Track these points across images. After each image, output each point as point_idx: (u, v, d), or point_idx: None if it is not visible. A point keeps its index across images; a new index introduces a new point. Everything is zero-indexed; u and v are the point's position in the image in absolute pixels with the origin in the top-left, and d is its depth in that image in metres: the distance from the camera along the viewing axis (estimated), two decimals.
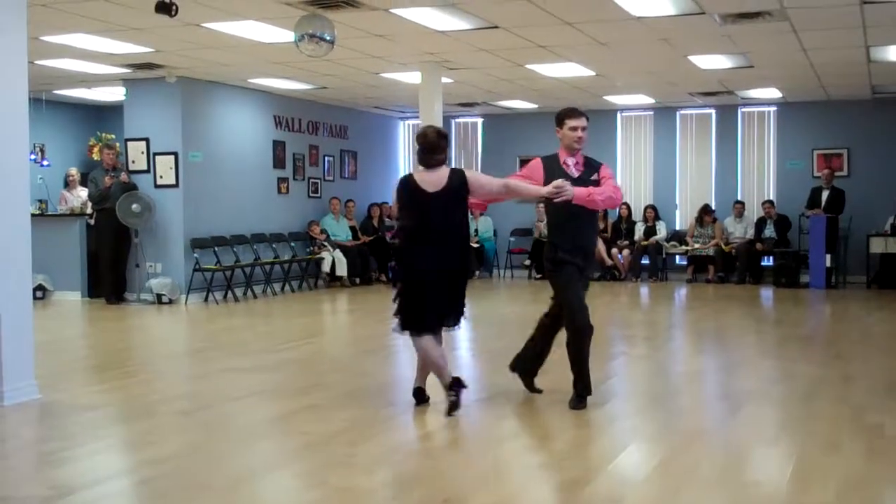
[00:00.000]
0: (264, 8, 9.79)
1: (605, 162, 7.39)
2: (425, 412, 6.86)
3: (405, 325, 6.72)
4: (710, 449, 5.95)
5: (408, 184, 6.70)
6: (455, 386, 6.68)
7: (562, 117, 7.02)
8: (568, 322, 6.87)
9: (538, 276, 18.46)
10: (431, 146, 6.66)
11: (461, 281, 6.77)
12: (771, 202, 17.68)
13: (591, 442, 6.10)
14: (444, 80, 13.98)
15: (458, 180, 6.67)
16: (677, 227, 18.78)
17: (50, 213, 15.41)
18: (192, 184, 14.66)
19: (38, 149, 16.40)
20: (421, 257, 6.60)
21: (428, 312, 6.65)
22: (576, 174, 6.89)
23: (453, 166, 7.03)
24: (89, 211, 14.96)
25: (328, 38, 9.17)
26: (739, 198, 18.27)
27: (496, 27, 10.80)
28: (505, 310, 13.77)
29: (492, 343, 10.34)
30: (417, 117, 14.89)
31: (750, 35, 11.27)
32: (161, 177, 14.59)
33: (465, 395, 6.81)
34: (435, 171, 6.66)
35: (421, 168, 6.74)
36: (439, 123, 13.50)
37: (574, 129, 6.94)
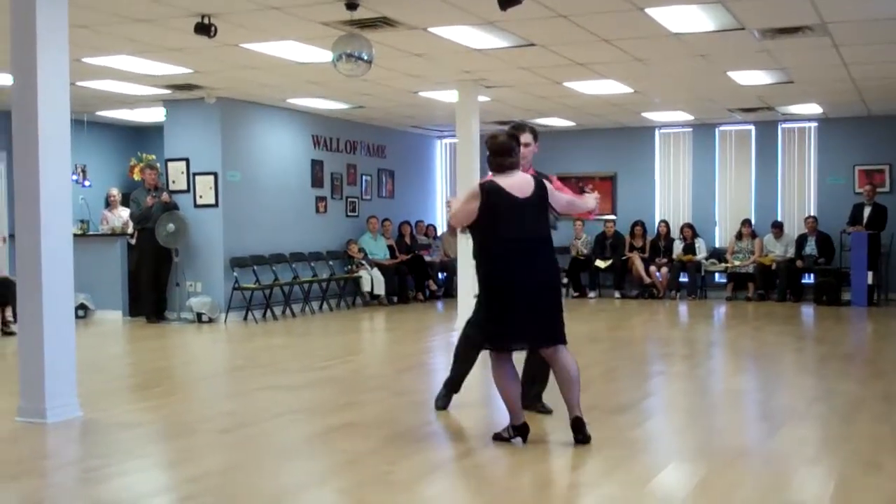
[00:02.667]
0: (302, 28, 9.87)
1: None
2: (463, 430, 6.85)
3: (491, 340, 6.31)
4: (750, 468, 5.90)
5: (497, 189, 6.24)
6: (518, 433, 6.39)
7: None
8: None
9: (575, 294, 18.43)
10: (503, 149, 6.31)
11: (556, 296, 6.42)
12: (814, 217, 17.53)
13: (629, 461, 6.07)
14: (481, 98, 14.00)
15: (541, 186, 6.38)
16: (716, 245, 18.66)
17: (91, 233, 15.57)
18: (231, 203, 14.76)
19: (79, 169, 16.56)
20: (513, 269, 6.19)
21: (517, 328, 6.23)
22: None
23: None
24: (130, 231, 15.08)
25: (366, 57, 9.23)
26: (780, 215, 18.14)
27: (533, 45, 10.81)
28: None
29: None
30: (454, 136, 14.92)
31: (790, 50, 11.21)
32: (201, 196, 14.70)
33: (503, 415, 6.80)
34: (512, 175, 6.32)
35: (494, 174, 6.35)
36: (476, 142, 13.53)
37: (528, 144, 6.93)
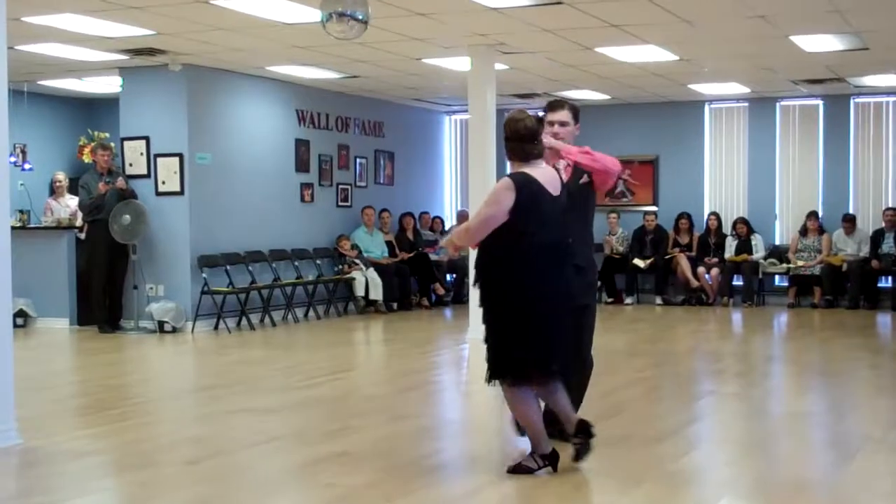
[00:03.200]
0: None
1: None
2: (475, 461, 6.85)
3: (498, 371, 6.30)
4: None
5: (530, 183, 6.13)
6: (548, 461, 6.39)
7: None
8: None
9: (610, 299, 18.42)
10: (530, 133, 6.21)
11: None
12: (893, 210, 17.51)
13: (674, 497, 6.06)
14: (498, 66, 13.99)
15: (578, 177, 6.41)
16: (777, 242, 18.64)
17: (33, 225, 15.58)
18: (199, 191, 14.76)
19: (18, 150, 16.58)
20: (548, 281, 6.17)
21: (550, 354, 6.24)
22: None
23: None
24: (79, 223, 15.08)
25: (360, 16, 9.21)
26: (852, 207, 18.12)
27: (560, 2, 10.80)
28: None
29: None
30: (466, 111, 14.91)
31: (865, 11, 11.18)
32: (163, 182, 14.71)
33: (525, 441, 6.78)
34: (539, 166, 6.28)
35: (520, 164, 6.25)
36: (492, 118, 13.53)
37: (551, 123, 6.84)
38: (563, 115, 6.96)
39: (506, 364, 6.29)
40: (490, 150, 13.34)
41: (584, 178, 6.78)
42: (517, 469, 6.42)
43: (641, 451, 6.90)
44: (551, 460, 6.39)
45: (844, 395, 9.72)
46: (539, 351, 6.19)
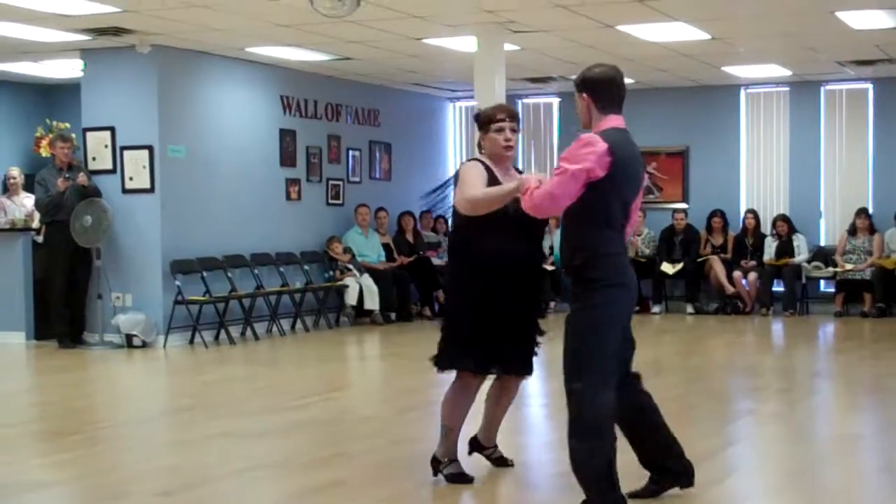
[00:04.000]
0: None
1: None
2: (481, 490, 6.87)
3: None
4: None
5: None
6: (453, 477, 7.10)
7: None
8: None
9: (635, 308, 18.38)
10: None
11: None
12: None
13: None
14: (508, 47, 14.02)
15: None
16: (822, 243, 18.66)
17: None
18: (172, 188, 14.78)
19: None
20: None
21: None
22: None
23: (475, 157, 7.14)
24: (36, 224, 15.11)
25: None
26: None
27: None
28: None
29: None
30: (472, 97, 14.94)
31: None
32: (131, 178, 14.72)
33: (537, 468, 6.83)
34: None
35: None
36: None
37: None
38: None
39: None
40: None
41: None
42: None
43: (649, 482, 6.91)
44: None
45: None
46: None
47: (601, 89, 6.40)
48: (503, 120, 6.98)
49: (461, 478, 7.03)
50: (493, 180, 6.79)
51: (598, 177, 5.86)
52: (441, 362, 7.09)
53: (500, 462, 7.34)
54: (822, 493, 6.96)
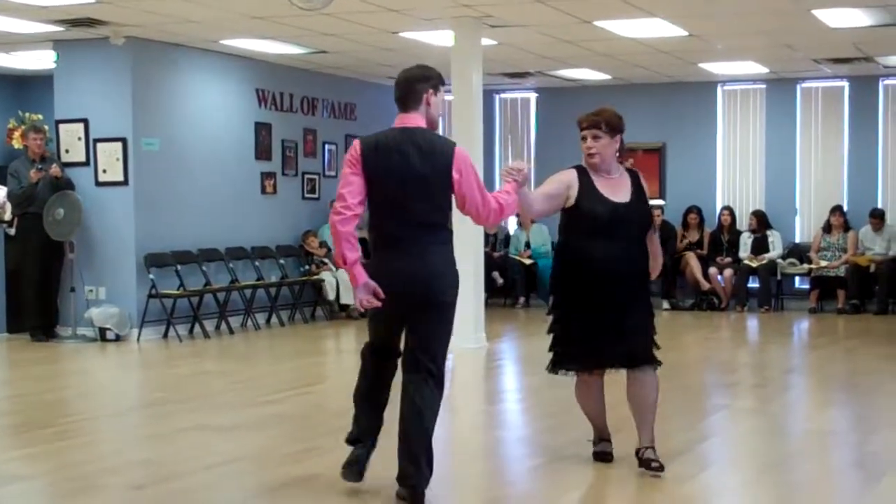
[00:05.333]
0: None
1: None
2: (460, 484, 6.88)
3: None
4: None
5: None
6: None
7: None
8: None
9: None
10: None
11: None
12: None
13: None
14: (486, 41, 14.01)
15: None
16: (797, 240, 18.73)
17: None
18: (146, 181, 14.74)
19: None
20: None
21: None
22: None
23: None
24: (8, 216, 15.03)
25: None
26: (880, 200, 18.19)
27: None
28: None
29: (547, 394, 10.34)
30: (449, 91, 14.93)
31: None
32: (104, 171, 14.68)
33: (519, 460, 6.85)
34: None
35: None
36: (478, 100, 13.56)
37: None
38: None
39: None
40: (476, 136, 13.36)
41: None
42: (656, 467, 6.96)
43: (646, 473, 6.94)
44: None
45: (871, 410, 9.77)
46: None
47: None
48: (583, 128, 7.30)
49: (601, 456, 7.29)
50: (587, 185, 7.14)
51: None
52: (551, 366, 7.21)
53: (644, 464, 6.97)
54: (796, 488, 6.99)
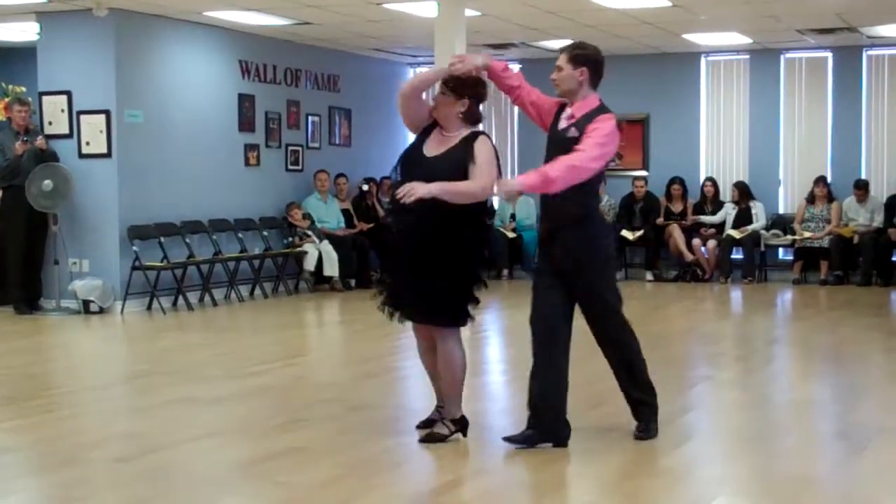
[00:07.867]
0: None
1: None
2: (446, 454, 6.89)
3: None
4: (823, 502, 5.98)
5: None
6: (458, 427, 7.17)
7: None
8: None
9: None
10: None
11: None
12: None
13: (665, 494, 6.12)
14: (469, 12, 13.98)
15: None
16: (781, 211, 18.76)
17: None
18: (129, 153, 14.70)
19: None
20: None
21: None
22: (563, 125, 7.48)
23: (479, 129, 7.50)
24: None
25: None
26: (864, 171, 18.21)
27: None
28: None
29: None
30: (432, 63, 14.91)
31: None
32: (88, 143, 14.64)
33: (502, 432, 6.89)
34: None
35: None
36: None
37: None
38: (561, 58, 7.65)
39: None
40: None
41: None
42: (430, 438, 7.04)
43: (629, 445, 6.96)
44: (461, 426, 7.14)
45: (855, 381, 9.78)
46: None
47: (600, 69, 7.69)
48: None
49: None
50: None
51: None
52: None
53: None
54: (778, 458, 7.00)
